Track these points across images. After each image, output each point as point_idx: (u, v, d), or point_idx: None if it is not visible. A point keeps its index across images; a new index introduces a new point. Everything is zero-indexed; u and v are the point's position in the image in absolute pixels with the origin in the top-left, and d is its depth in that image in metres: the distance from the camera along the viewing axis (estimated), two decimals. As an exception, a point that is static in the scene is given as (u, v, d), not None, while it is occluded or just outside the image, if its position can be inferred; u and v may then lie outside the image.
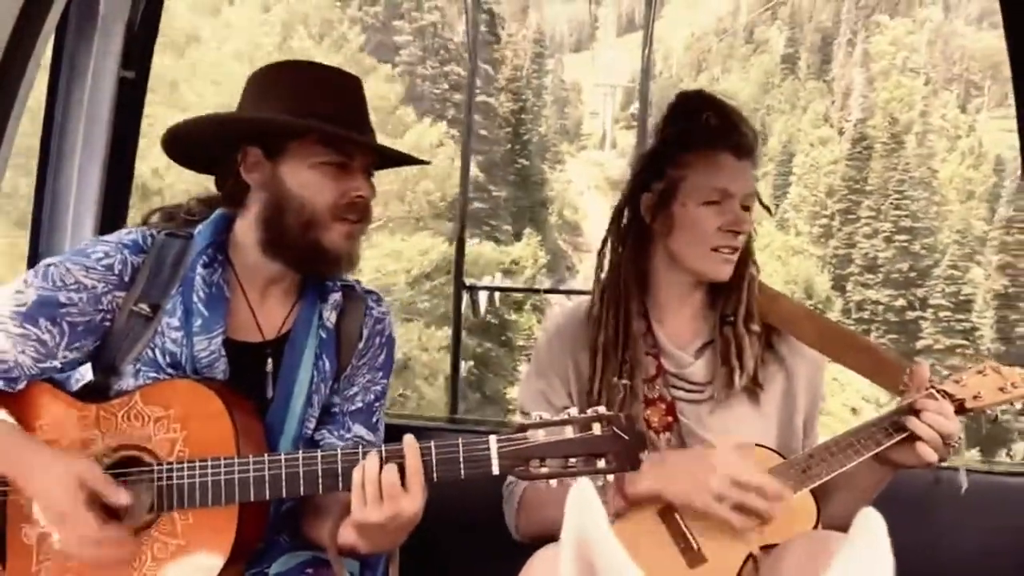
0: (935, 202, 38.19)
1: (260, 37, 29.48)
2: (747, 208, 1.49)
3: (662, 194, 1.50)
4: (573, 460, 1.16)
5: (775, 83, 51.08)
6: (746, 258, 1.52)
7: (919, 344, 33.06)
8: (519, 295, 28.86)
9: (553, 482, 1.16)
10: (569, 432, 1.16)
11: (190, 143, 1.41)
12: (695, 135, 1.50)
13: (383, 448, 1.20)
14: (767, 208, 1.68)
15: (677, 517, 1.37)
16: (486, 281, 23.36)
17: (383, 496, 1.16)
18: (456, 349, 3.71)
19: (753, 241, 1.56)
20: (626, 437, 1.16)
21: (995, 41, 44.88)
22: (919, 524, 1.68)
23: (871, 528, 0.48)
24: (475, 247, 28.42)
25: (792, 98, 48.63)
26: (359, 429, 1.44)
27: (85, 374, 1.40)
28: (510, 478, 1.44)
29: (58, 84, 2.00)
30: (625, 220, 1.56)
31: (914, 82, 44.62)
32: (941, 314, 34.00)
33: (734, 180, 1.46)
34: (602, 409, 1.18)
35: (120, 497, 1.19)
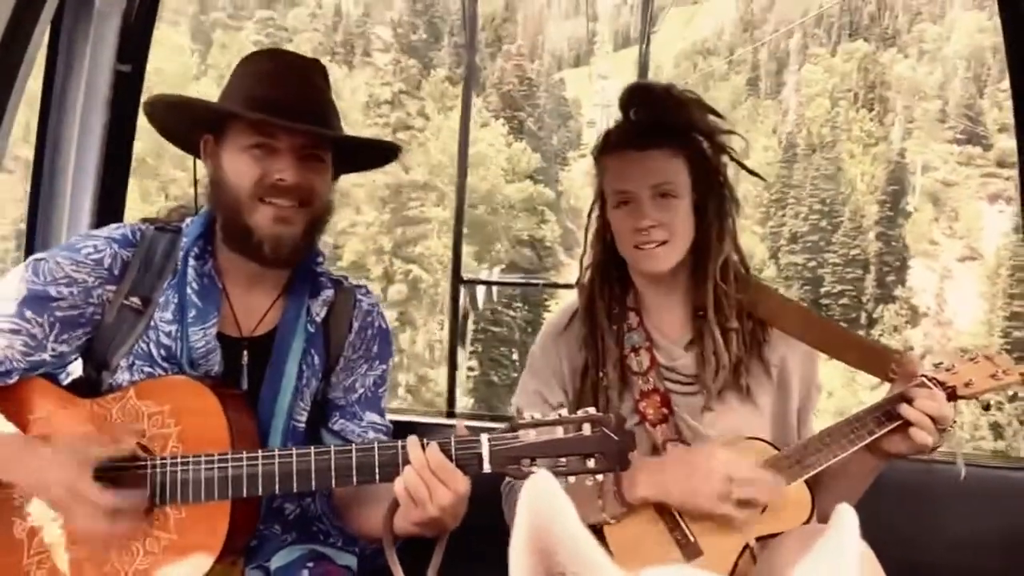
0: (841, 192, 46.63)
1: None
2: (666, 195, 1.41)
3: (600, 200, 1.52)
4: (564, 459, 1.15)
5: (740, 101, 56.14)
6: (707, 250, 1.46)
7: (823, 290, 43.83)
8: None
9: None
10: (560, 432, 1.16)
11: (167, 127, 1.40)
12: (605, 139, 1.50)
13: (400, 445, 1.18)
14: (755, 174, 1.64)
15: (674, 512, 1.36)
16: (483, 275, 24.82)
17: (431, 493, 1.15)
18: (453, 345, 3.43)
19: (730, 231, 1.48)
20: (615, 437, 1.15)
21: (915, 70, 56.75)
22: (913, 514, 1.74)
23: (843, 524, 0.47)
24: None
25: (752, 114, 54.73)
26: (371, 416, 1.45)
27: (73, 371, 1.37)
28: (508, 478, 1.41)
29: (54, 78, 1.90)
30: (596, 224, 1.56)
31: (837, 102, 52.14)
32: (837, 268, 44.07)
33: (636, 177, 1.42)
34: (592, 410, 1.19)
35: (105, 498, 1.15)
